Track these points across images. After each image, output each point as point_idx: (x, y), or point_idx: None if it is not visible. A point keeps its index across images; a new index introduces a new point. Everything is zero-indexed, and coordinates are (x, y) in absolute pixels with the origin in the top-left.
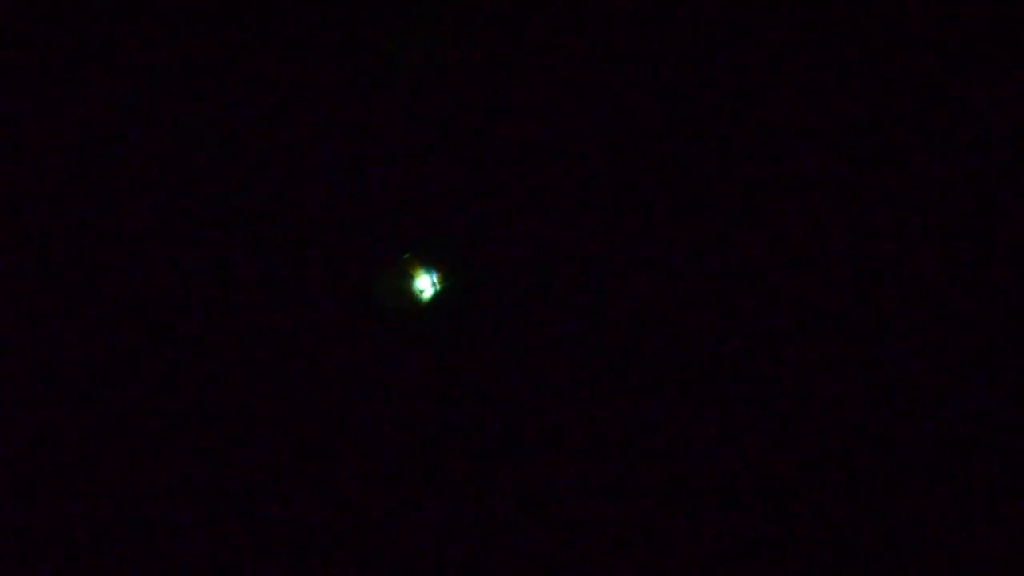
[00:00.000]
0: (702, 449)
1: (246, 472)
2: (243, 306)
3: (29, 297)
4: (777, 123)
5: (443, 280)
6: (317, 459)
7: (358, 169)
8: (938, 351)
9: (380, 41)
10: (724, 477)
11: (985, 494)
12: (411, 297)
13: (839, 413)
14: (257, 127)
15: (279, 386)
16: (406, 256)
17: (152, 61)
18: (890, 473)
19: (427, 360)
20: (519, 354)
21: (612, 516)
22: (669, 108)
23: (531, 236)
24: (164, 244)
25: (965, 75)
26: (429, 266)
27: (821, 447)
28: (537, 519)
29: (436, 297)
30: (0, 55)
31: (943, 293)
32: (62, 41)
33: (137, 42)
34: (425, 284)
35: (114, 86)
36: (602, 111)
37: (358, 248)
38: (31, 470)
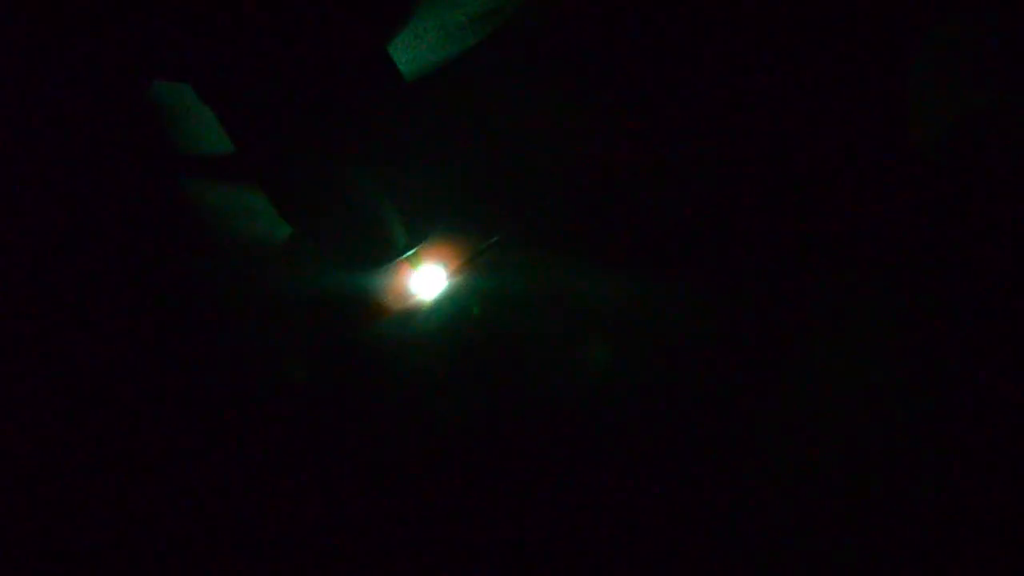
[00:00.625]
0: (703, 449)
1: (242, 472)
2: (245, 303)
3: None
4: (779, 125)
5: (446, 277)
6: (316, 458)
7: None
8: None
9: (386, 38)
10: (728, 478)
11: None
12: (414, 294)
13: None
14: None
15: (281, 383)
16: (409, 253)
17: (154, 60)
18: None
19: (429, 358)
20: (523, 352)
21: (614, 515)
22: (672, 107)
23: (534, 234)
24: (164, 239)
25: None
26: (432, 263)
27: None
28: (538, 519)
29: (439, 294)
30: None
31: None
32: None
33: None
34: (428, 281)
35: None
36: (607, 110)
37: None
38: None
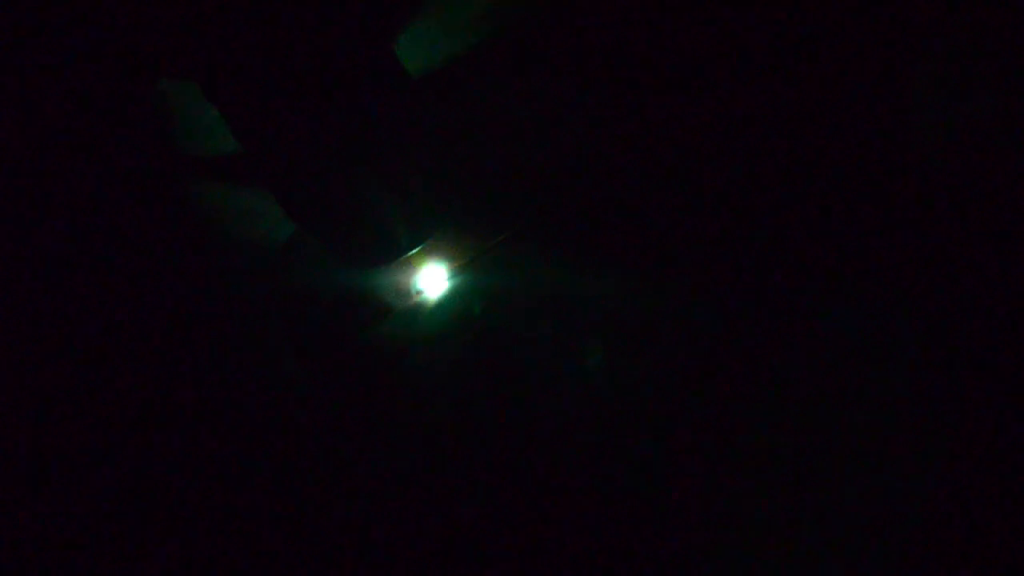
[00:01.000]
0: (705, 450)
1: (240, 477)
2: (247, 304)
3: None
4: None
5: (450, 275)
6: (316, 462)
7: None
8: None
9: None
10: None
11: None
12: (418, 293)
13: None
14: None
15: (282, 385)
16: (413, 251)
17: (158, 58)
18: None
19: (433, 357)
20: (527, 352)
21: (616, 518)
22: (677, 106)
23: (539, 232)
24: (166, 240)
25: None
26: (436, 261)
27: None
28: (541, 520)
29: (443, 292)
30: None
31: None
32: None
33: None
34: (432, 279)
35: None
36: (612, 109)
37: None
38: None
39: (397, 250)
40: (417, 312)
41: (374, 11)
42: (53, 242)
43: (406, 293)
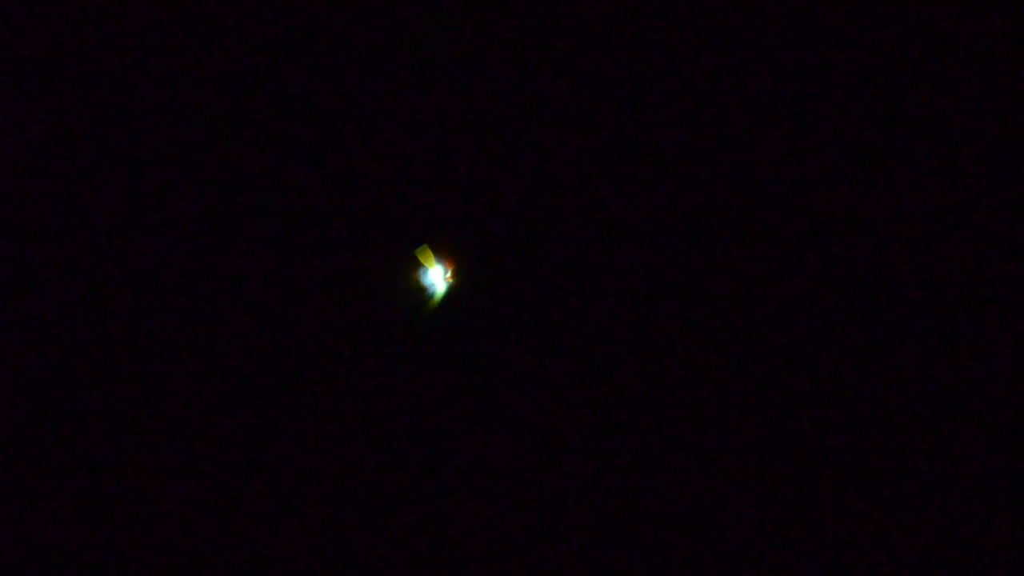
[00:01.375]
0: (705, 449)
1: (251, 468)
2: (257, 300)
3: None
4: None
5: (455, 274)
6: (325, 452)
7: (373, 164)
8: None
9: (397, 37)
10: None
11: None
12: (423, 290)
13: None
14: (277, 123)
15: (291, 378)
16: (418, 249)
17: (164, 60)
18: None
19: (438, 352)
20: (529, 348)
21: (617, 515)
22: (675, 109)
23: (541, 231)
24: (183, 236)
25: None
26: (441, 259)
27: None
28: (541, 517)
29: (447, 290)
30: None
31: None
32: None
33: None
34: (437, 277)
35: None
36: (614, 108)
37: (371, 242)
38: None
39: (398, 251)
40: (419, 310)
41: (374, 10)
42: (55, 245)
43: (408, 290)
